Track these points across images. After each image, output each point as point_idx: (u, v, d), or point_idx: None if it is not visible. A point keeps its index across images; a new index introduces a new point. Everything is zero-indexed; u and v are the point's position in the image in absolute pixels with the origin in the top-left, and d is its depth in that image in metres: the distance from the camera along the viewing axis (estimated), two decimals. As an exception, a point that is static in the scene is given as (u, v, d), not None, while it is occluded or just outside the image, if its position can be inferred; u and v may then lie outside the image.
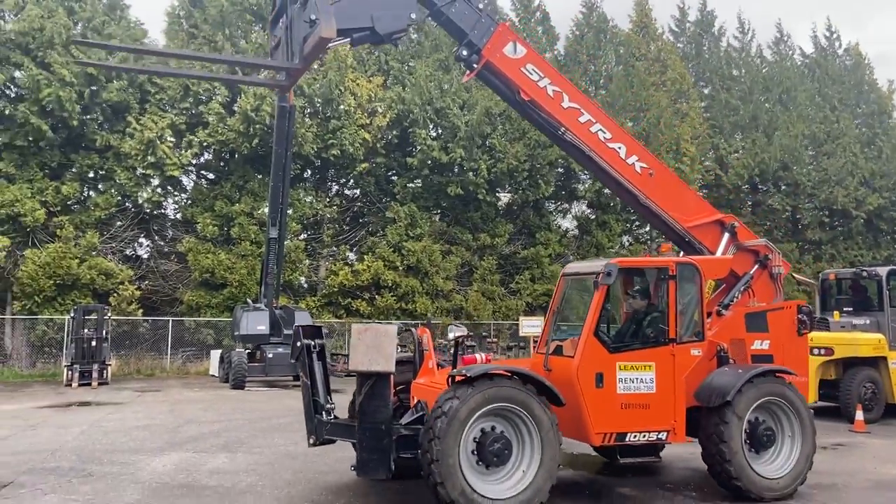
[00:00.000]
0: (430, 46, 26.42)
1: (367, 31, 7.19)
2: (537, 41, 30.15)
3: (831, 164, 31.58)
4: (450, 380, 6.37)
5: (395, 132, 25.73)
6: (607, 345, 6.96)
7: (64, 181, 21.89)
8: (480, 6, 7.72)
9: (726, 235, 8.07)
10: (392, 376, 6.34)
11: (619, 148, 7.90)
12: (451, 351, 7.71)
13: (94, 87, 21.57)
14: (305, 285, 25.41)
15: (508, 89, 7.85)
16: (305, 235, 25.05)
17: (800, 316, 7.91)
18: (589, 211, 30.68)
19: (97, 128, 21.96)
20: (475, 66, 7.66)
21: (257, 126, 21.72)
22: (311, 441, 6.81)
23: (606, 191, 29.21)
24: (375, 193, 26.05)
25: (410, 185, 25.98)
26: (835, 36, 35.97)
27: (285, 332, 17.20)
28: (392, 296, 24.13)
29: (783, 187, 32.11)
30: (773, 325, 7.82)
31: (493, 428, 6.22)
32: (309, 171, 25.71)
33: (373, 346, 6.13)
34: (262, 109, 21.50)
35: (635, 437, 6.84)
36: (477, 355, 7.48)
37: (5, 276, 21.23)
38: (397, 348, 6.70)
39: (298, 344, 6.83)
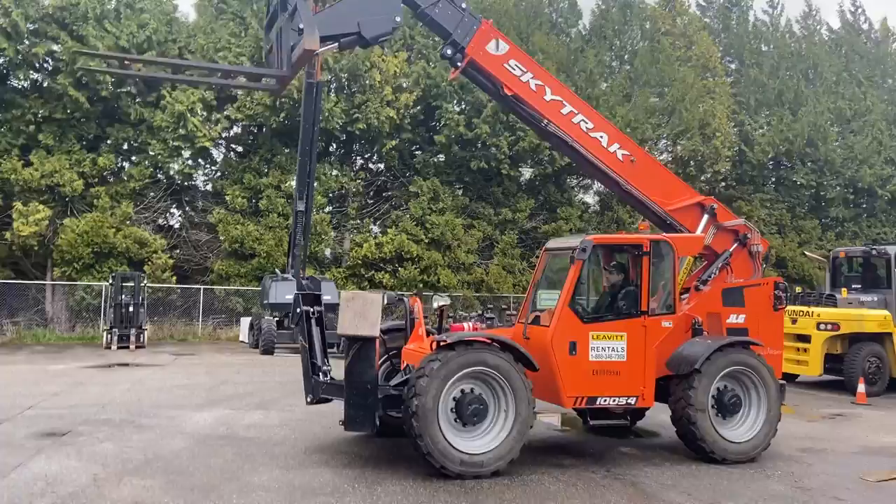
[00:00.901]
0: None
1: (354, 35, 7.45)
2: (564, 17, 30.31)
3: (858, 141, 31.44)
4: (433, 345, 6.85)
5: (419, 107, 26.15)
6: (581, 315, 7.40)
7: (100, 153, 22.66)
8: (464, 5, 7.92)
9: (705, 217, 8.36)
10: (377, 340, 6.79)
11: (601, 137, 8.16)
12: (439, 319, 8.15)
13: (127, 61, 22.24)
14: (330, 257, 26.12)
15: (493, 85, 8.07)
16: (331, 208, 25.70)
17: (776, 292, 8.24)
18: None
19: (131, 101, 22.67)
20: (459, 63, 7.86)
21: (285, 101, 22.27)
22: (309, 399, 7.30)
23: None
24: (399, 168, 26.56)
25: (434, 159, 26.45)
26: (860, 10, 35.46)
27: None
28: (415, 268, 24.75)
29: (808, 164, 32.06)
30: (750, 300, 8.17)
31: (471, 390, 6.70)
32: (335, 146, 26.28)
33: (359, 312, 6.57)
34: (291, 84, 22.01)
35: (605, 401, 7.31)
36: (465, 324, 7.95)
37: (46, 243, 22.17)
38: (384, 316, 7.24)
39: (298, 310, 7.30)
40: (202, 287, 23.51)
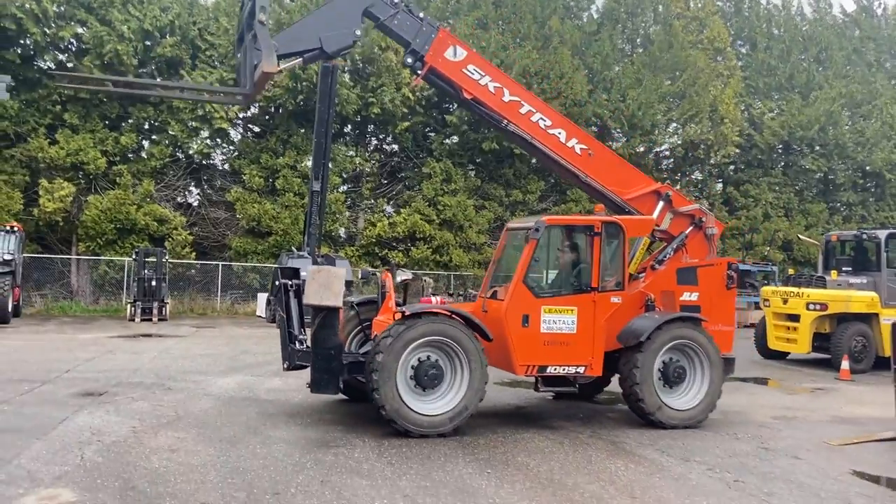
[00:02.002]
0: (468, 4, 27.09)
1: (317, 50, 7.84)
2: (577, 0, 30.58)
3: (868, 125, 31.63)
4: (394, 316, 7.44)
5: (433, 90, 26.67)
6: (534, 291, 7.93)
7: (122, 132, 23.42)
8: (421, 15, 8.26)
9: (661, 203, 8.84)
10: (340, 310, 7.35)
11: (560, 133, 8.57)
12: (404, 293, 8.69)
13: (148, 43, 22.95)
14: (345, 236, 26.87)
15: (453, 89, 8.38)
16: (346, 188, 26.39)
17: (729, 272, 8.77)
18: (622, 168, 31.38)
19: (152, 82, 23.36)
20: (420, 71, 8.22)
21: (304, 83, 22.91)
22: (285, 366, 7.89)
23: (640, 149, 29.95)
24: (413, 149, 27.16)
25: (447, 141, 27.03)
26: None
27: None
28: (427, 247, 25.46)
29: (817, 148, 32.32)
30: (703, 279, 8.71)
31: (429, 357, 7.31)
32: (350, 127, 26.90)
33: (324, 284, 7.09)
34: (310, 67, 22.64)
35: (555, 369, 7.90)
36: (433, 297, 8.55)
37: (71, 219, 23.06)
38: (349, 288, 7.77)
39: (277, 283, 7.91)
40: (221, 263, 24.36)
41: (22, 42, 21.96)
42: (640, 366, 7.80)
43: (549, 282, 8.53)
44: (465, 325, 7.40)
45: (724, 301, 8.81)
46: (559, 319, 7.84)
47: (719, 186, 34.08)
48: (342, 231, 26.57)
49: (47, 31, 21.64)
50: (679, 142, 30.83)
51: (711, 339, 8.20)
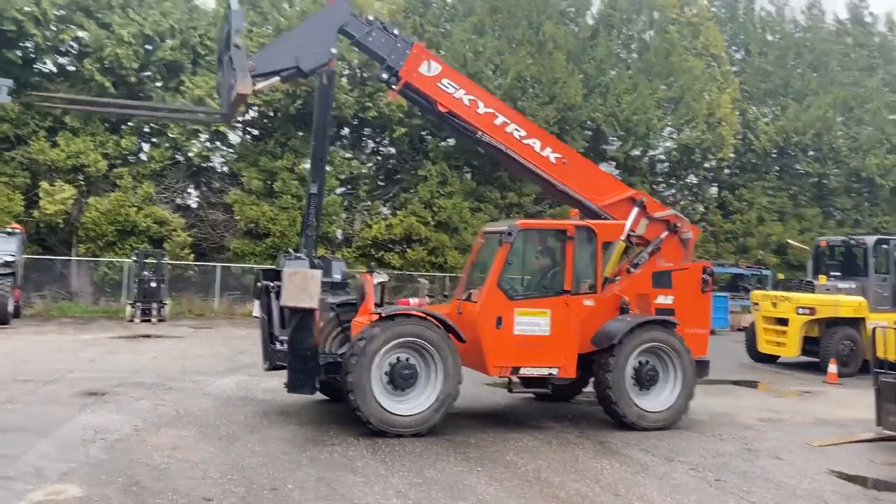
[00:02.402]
0: (463, 10, 27.36)
1: (294, 69, 8.04)
2: (574, 5, 30.84)
3: (861, 130, 31.94)
4: (370, 317, 7.62)
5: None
6: (507, 293, 8.06)
7: (123, 135, 23.62)
8: (396, 31, 8.44)
9: (635, 209, 9.02)
10: (316, 311, 7.48)
11: (534, 143, 8.74)
12: (381, 294, 8.75)
13: (149, 47, 23.16)
14: (341, 237, 27.08)
15: (428, 103, 8.55)
16: (342, 190, 26.60)
17: (703, 276, 8.94)
18: (617, 172, 31.63)
19: (153, 86, 23.62)
20: (395, 86, 8.39)
21: (302, 88, 23.13)
22: (266, 366, 8.07)
23: (635, 153, 30.23)
24: (409, 152, 27.39)
25: (443, 143, 27.27)
26: (864, 2, 35.81)
27: (323, 280, 18.94)
28: (423, 249, 25.69)
29: (811, 153, 32.63)
30: (678, 283, 8.85)
31: (406, 358, 7.49)
32: (347, 130, 27.14)
33: (300, 286, 7.23)
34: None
35: (528, 370, 8.08)
36: (412, 299, 8.74)
37: (71, 221, 23.25)
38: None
39: (259, 284, 8.09)
40: (219, 265, 24.57)
41: (22, 45, 22.17)
42: (613, 368, 7.94)
43: (523, 285, 8.66)
44: (439, 326, 7.55)
45: (698, 304, 8.95)
46: (532, 322, 7.97)
47: (714, 190, 34.38)
48: (339, 233, 26.79)
49: (48, 34, 21.85)
50: (674, 146, 31.13)
51: (684, 342, 8.34)
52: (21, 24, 21.15)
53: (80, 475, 5.83)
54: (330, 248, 25.53)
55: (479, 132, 8.61)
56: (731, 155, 31.41)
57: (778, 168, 33.84)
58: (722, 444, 7.79)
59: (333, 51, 8.14)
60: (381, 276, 8.82)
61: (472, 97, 8.57)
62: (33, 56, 22.77)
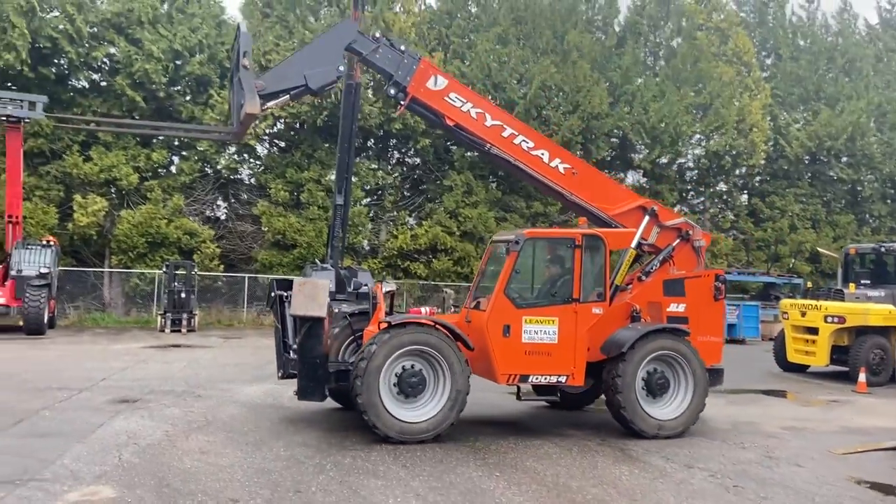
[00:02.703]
0: (487, 21, 27.56)
1: (302, 87, 8.20)
2: (601, 13, 30.87)
3: (895, 136, 31.45)
4: (379, 326, 7.71)
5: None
6: (515, 301, 8.10)
7: (153, 149, 24.20)
8: (402, 48, 8.53)
9: (647, 218, 9.01)
10: (325, 320, 7.61)
11: (543, 154, 8.80)
12: (390, 304, 8.90)
13: (178, 62, 23.73)
14: (368, 248, 27.36)
15: (436, 117, 8.67)
16: (368, 201, 26.90)
17: (716, 283, 8.88)
18: (644, 181, 31.50)
19: (182, 100, 24.18)
20: (403, 102, 8.50)
21: (328, 100, 23.50)
22: (280, 374, 8.16)
23: (663, 160, 30.11)
24: (434, 162, 27.60)
25: (468, 154, 27.43)
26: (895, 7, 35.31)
27: (349, 290, 19.19)
28: (448, 259, 25.84)
29: (844, 159, 32.19)
30: (691, 290, 8.80)
31: (413, 366, 7.58)
32: (372, 141, 27.46)
33: (310, 296, 7.37)
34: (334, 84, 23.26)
35: (537, 378, 8.08)
36: (422, 309, 8.85)
37: (104, 233, 23.85)
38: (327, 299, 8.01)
39: (273, 294, 8.21)
40: (247, 275, 24.98)
41: (57, 61, 22.87)
42: (622, 375, 7.94)
43: (531, 293, 8.70)
44: (447, 334, 7.63)
45: (711, 312, 8.91)
46: (540, 330, 8.00)
47: (744, 198, 34.06)
48: (365, 243, 27.06)
49: (81, 51, 22.51)
50: (703, 153, 30.93)
51: (695, 350, 8.32)
52: (56, 42, 21.84)
53: (113, 477, 6.04)
54: (356, 258, 25.79)
55: (488, 145, 8.70)
56: (762, 161, 31.07)
57: (810, 174, 33.43)
58: (743, 452, 7.77)
59: (341, 68, 8.31)
60: (389, 286, 8.99)
61: (479, 110, 8.66)
62: (67, 72, 23.47)
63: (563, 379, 8.12)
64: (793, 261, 31.39)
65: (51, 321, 19.30)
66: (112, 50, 23.38)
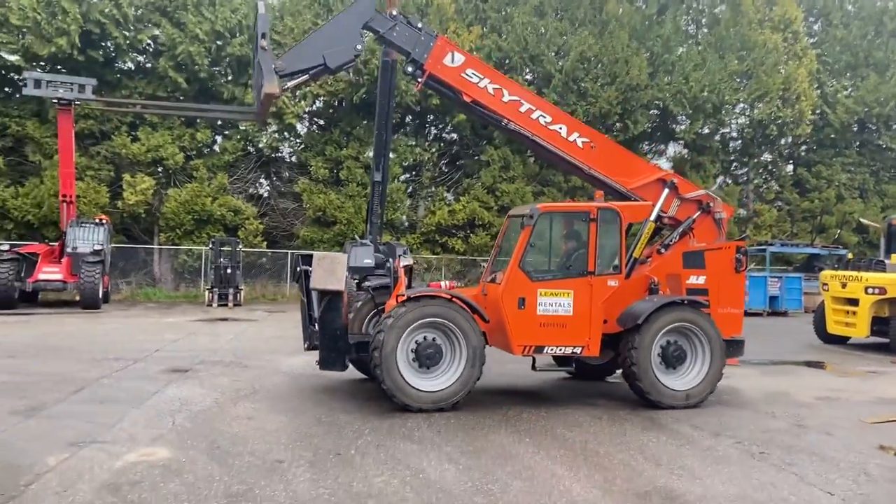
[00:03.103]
0: (525, -7, 27.33)
1: (321, 66, 8.33)
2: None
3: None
4: (397, 299, 7.96)
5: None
6: (530, 274, 8.20)
7: (198, 129, 24.85)
8: (419, 25, 8.59)
9: (666, 190, 9.00)
10: (344, 293, 7.81)
11: (560, 128, 8.82)
12: (408, 278, 9.06)
13: (219, 43, 24.20)
14: (406, 223, 27.71)
15: (453, 93, 8.70)
16: (406, 177, 27.22)
17: (737, 255, 8.86)
18: (686, 152, 31.07)
19: (224, 81, 24.69)
20: (420, 79, 8.58)
21: (365, 77, 23.75)
22: (306, 346, 8.45)
23: (705, 131, 29.62)
24: (471, 137, 27.70)
25: (505, 128, 27.42)
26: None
27: (388, 265, 19.60)
28: (486, 234, 26.04)
29: (894, 126, 31.22)
30: (711, 262, 8.84)
31: (429, 338, 7.77)
32: (410, 117, 27.66)
33: (329, 270, 7.58)
34: (371, 62, 23.48)
35: (552, 349, 8.21)
36: (442, 282, 8.98)
37: (152, 211, 24.67)
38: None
39: (298, 269, 8.47)
40: (290, 251, 25.59)
41: (104, 45, 23.55)
42: (638, 347, 8.05)
43: (546, 266, 8.79)
44: (464, 307, 7.85)
45: (732, 284, 8.91)
46: (555, 302, 8.13)
47: (790, 168, 33.35)
48: (404, 219, 27.42)
49: (127, 34, 23.14)
50: (747, 123, 30.33)
51: (712, 321, 8.38)
52: (103, 26, 22.47)
53: (168, 440, 6.49)
54: (395, 234, 26.18)
55: (505, 120, 8.77)
56: (808, 130, 30.32)
57: (858, 143, 32.55)
58: (773, 421, 7.88)
59: (359, 47, 8.43)
60: (406, 259, 9.19)
61: (496, 86, 8.69)
62: (114, 55, 24.16)
63: (578, 350, 8.26)
64: (839, 231, 30.72)
65: (105, 296, 20.13)
66: (156, 32, 23.97)
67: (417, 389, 7.71)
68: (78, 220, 20.18)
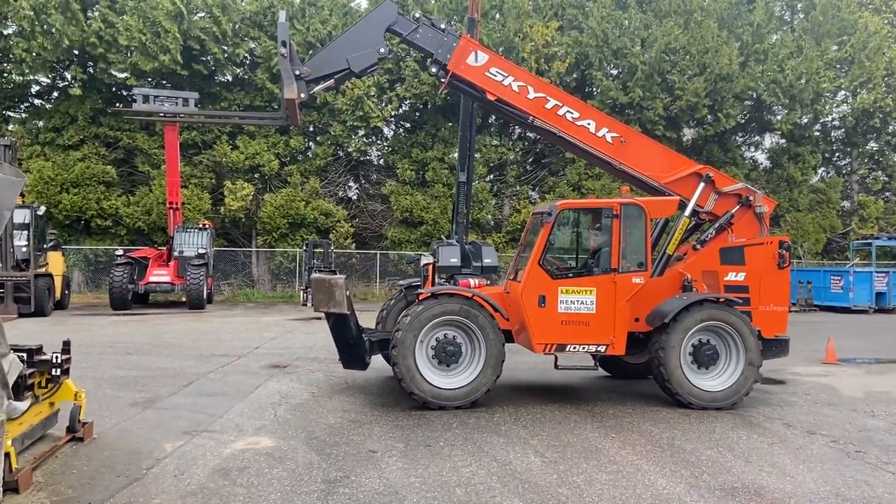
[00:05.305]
0: (607, -13, 26.99)
1: (346, 70, 8.46)
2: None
3: None
4: (418, 297, 7.97)
5: (573, 76, 26.96)
6: (550, 272, 8.06)
7: (291, 136, 25.95)
8: (442, 26, 8.63)
9: (702, 185, 8.68)
10: (346, 315, 7.72)
11: (589, 124, 8.69)
12: (432, 275, 9.23)
13: (311, 53, 25.11)
14: (492, 223, 27.95)
15: (477, 92, 8.72)
16: (491, 177, 27.43)
17: (780, 251, 8.44)
18: (783, 143, 29.85)
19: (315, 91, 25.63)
20: (444, 79, 8.61)
21: (448, 79, 24.12)
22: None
23: (804, 120, 28.34)
24: (556, 135, 27.58)
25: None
26: None
27: (474, 264, 19.87)
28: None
29: None
30: (751, 258, 8.51)
31: (449, 336, 7.78)
32: (493, 117, 27.86)
33: (326, 293, 7.55)
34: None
35: (575, 348, 8.01)
36: (471, 280, 8.95)
37: (251, 216, 25.94)
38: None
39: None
40: (378, 252, 26.33)
41: (204, 59, 24.95)
42: (665, 347, 7.83)
43: (568, 263, 8.64)
44: (484, 305, 7.85)
45: (775, 281, 8.54)
46: (577, 300, 8.00)
47: (897, 157, 31.44)
48: (489, 218, 27.65)
49: (225, 48, 24.44)
50: (849, 111, 28.82)
51: (747, 320, 8.03)
52: (203, 42, 23.82)
53: (270, 430, 6.96)
54: (481, 233, 26.46)
55: (531, 117, 8.73)
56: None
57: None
58: (871, 420, 7.61)
59: (382, 51, 8.57)
60: (427, 259, 9.28)
61: (521, 83, 8.64)
62: (213, 69, 25.55)
63: (602, 348, 8.09)
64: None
65: (209, 297, 21.38)
66: (252, 45, 25.19)
67: (436, 387, 7.76)
68: (184, 226, 21.52)
